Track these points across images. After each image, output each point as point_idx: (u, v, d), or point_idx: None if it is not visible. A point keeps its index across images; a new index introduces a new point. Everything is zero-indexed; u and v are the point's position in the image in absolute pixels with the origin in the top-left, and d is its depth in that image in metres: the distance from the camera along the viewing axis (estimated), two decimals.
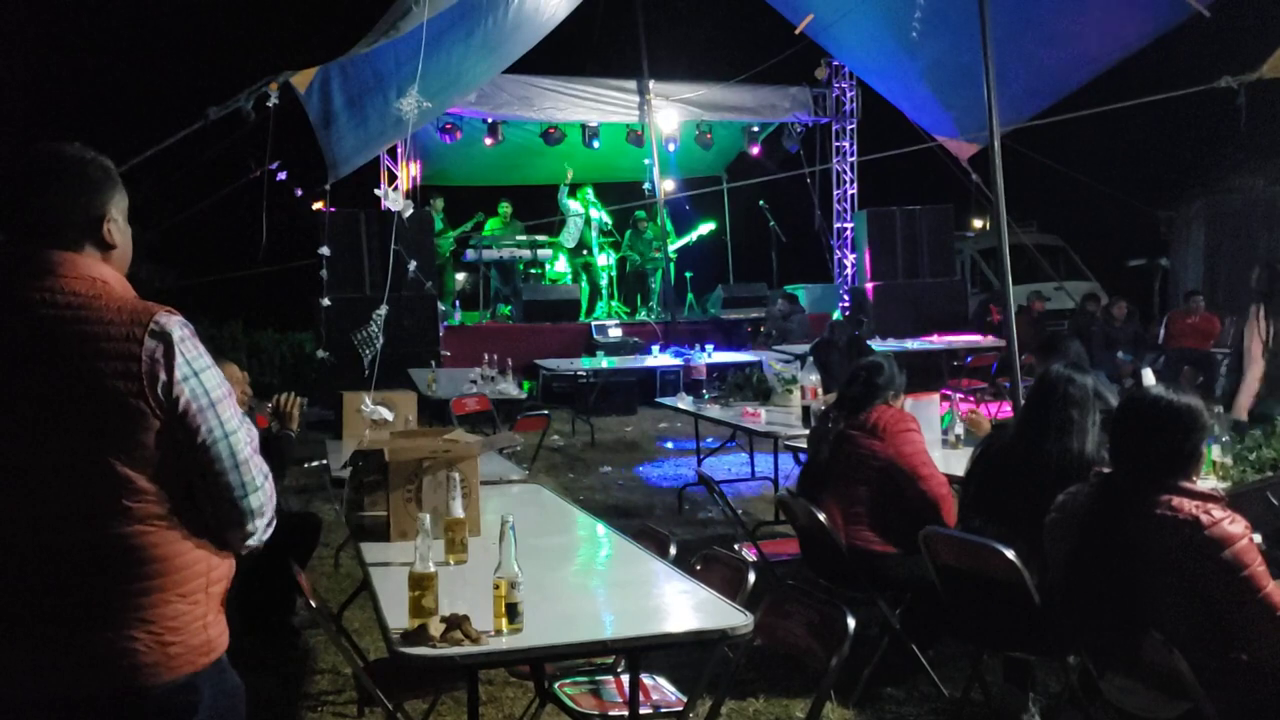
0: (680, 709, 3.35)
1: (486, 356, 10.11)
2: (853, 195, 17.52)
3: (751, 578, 3.39)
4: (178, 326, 2.09)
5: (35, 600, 2.04)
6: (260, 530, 2.22)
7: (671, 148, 16.56)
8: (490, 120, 15.59)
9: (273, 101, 9.02)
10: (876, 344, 11.96)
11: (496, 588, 2.74)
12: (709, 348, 13.08)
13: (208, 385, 2.11)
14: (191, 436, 2.10)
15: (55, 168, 2.15)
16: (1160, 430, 3.12)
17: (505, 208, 16.18)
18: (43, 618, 2.04)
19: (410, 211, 4.68)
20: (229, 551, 2.25)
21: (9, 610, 2.04)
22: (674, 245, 16.67)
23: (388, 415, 4.73)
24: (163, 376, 2.05)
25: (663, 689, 3.59)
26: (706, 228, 17.33)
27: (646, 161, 16.48)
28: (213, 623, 2.20)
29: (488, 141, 15.68)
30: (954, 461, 5.06)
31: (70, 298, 2.06)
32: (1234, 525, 2.93)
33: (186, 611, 2.13)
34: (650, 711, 3.42)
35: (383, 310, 5.52)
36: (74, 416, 2.02)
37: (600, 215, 16.56)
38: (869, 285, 15.78)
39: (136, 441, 2.05)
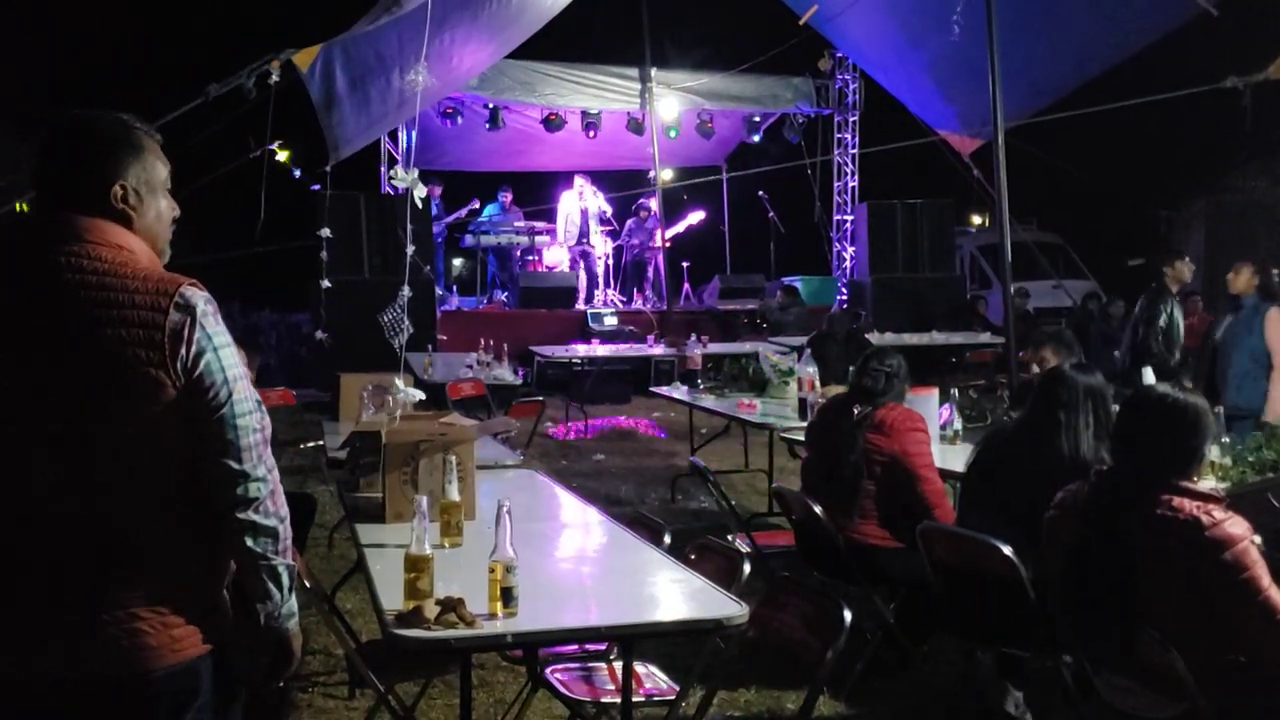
0: (672, 698, 3.34)
1: (482, 341, 10.08)
2: (853, 188, 17.46)
3: (746, 568, 3.37)
4: (202, 300, 2.09)
5: (42, 577, 2.01)
6: (259, 525, 2.12)
7: (673, 135, 16.48)
8: (491, 105, 15.51)
9: (274, 80, 8.96)
10: (874, 338, 11.93)
11: (492, 571, 2.72)
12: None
13: (225, 362, 2.10)
14: (204, 411, 2.08)
15: (67, 132, 2.14)
16: (1165, 429, 3.10)
17: (504, 194, 16.12)
18: (48, 595, 2.00)
19: (421, 190, 4.64)
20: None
21: (13, 586, 2.01)
22: (667, 234, 16.61)
23: (421, 396, 4.68)
24: (184, 348, 2.04)
25: (655, 677, 3.58)
26: (697, 217, 17.26)
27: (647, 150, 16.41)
28: (217, 605, 2.18)
29: (487, 127, 15.61)
30: (952, 458, 5.04)
31: (96, 263, 2.04)
32: (1235, 526, 2.92)
33: (192, 592, 2.11)
34: (642, 699, 3.41)
35: (406, 291, 5.50)
36: (94, 382, 2.00)
37: (598, 203, 16.48)
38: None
39: (153, 412, 2.03)
